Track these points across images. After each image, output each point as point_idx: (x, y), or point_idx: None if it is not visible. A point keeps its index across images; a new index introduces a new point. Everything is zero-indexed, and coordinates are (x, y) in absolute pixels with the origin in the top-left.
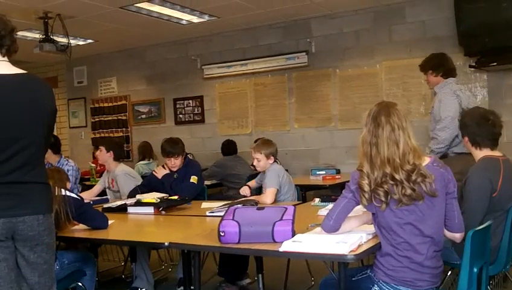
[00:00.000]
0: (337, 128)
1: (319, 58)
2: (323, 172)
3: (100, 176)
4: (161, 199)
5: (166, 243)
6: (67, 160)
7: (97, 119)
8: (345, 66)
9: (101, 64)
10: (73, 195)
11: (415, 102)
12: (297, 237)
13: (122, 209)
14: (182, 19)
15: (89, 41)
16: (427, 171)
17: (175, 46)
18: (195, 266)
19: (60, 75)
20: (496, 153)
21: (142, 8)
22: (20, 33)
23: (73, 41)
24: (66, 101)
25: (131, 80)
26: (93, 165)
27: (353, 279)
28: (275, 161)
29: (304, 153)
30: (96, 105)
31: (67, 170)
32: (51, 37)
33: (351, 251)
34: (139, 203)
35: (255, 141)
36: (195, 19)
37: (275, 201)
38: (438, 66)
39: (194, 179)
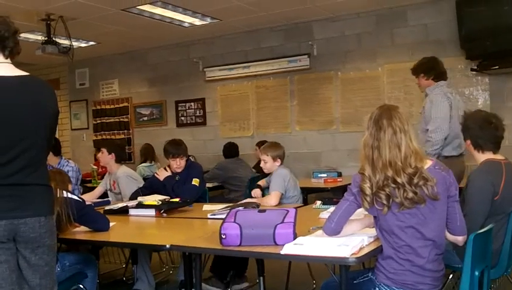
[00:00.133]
0: (338, 131)
1: (320, 61)
2: (325, 175)
3: (102, 178)
4: (162, 201)
5: (167, 246)
6: (67, 161)
7: (99, 121)
8: (346, 69)
9: (103, 66)
10: (75, 197)
11: (417, 105)
12: (299, 239)
13: (124, 211)
14: (184, 22)
15: (91, 43)
16: (428, 174)
17: (177, 49)
18: (196, 269)
19: (62, 77)
20: (498, 157)
21: (144, 10)
22: (22, 35)
23: (75, 43)
24: (68, 103)
25: (133, 82)
26: (95, 167)
27: (354, 282)
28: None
29: (305, 156)
30: (98, 107)
31: (68, 171)
32: (53, 39)
33: (352, 254)
34: (140, 206)
35: (257, 144)
36: (197, 22)
37: (280, 203)
38: (430, 69)
39: (195, 181)
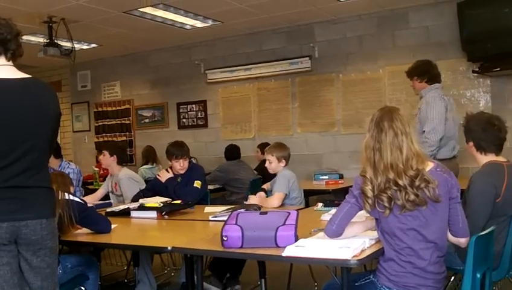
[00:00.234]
0: (340, 133)
1: (322, 63)
2: (326, 177)
3: (103, 180)
4: (164, 203)
5: (169, 248)
6: (68, 163)
7: (100, 124)
8: (348, 70)
9: (104, 68)
10: (77, 199)
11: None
12: (300, 241)
13: (125, 213)
14: (186, 24)
15: (93, 45)
16: (430, 176)
17: (179, 51)
18: (198, 271)
19: (64, 79)
20: (500, 159)
21: (146, 12)
22: (24, 37)
23: (77, 46)
24: (70, 105)
25: (134, 84)
26: (97, 169)
27: (356, 284)
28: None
29: (306, 158)
30: (100, 109)
31: (69, 173)
32: (55, 41)
33: (354, 256)
34: (142, 208)
35: (258, 146)
36: (198, 24)
37: (282, 205)
38: (423, 72)
39: (197, 183)
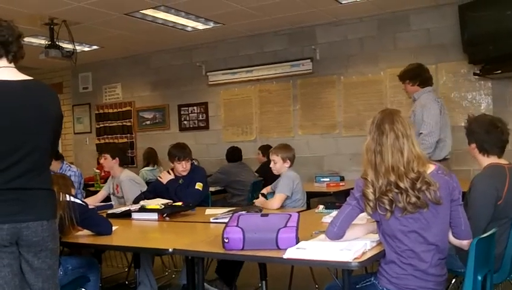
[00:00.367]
0: (341, 135)
1: (323, 65)
2: (328, 179)
3: (104, 182)
4: (165, 205)
5: (170, 249)
6: (69, 166)
7: (102, 125)
8: (349, 73)
9: (106, 70)
10: (78, 201)
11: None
12: (302, 244)
13: (126, 215)
14: (187, 26)
15: (95, 47)
16: (431, 179)
17: (180, 53)
18: (199, 273)
19: (65, 81)
20: (502, 161)
21: (147, 14)
22: (26, 39)
23: (78, 48)
24: (71, 107)
25: (136, 86)
26: (98, 171)
27: (357, 286)
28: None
29: (308, 160)
30: (101, 111)
31: (70, 176)
32: (57, 43)
33: (355, 258)
34: (143, 209)
35: (259, 148)
36: (200, 26)
37: (282, 207)
38: (415, 76)
39: (199, 185)
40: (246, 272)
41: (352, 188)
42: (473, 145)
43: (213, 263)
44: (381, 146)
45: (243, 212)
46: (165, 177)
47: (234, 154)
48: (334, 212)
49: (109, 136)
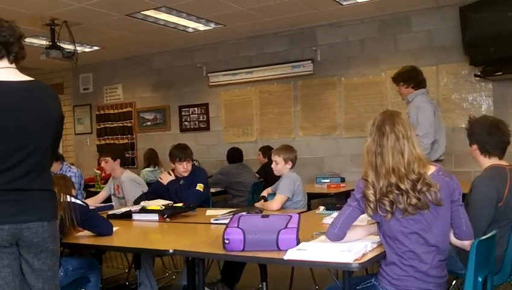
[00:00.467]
0: (342, 136)
1: (324, 67)
2: (328, 180)
3: (105, 183)
4: (166, 206)
5: (170, 250)
6: (69, 166)
7: (102, 126)
8: (350, 74)
9: (107, 71)
10: (79, 201)
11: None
12: (302, 245)
13: (127, 216)
14: (188, 27)
15: (95, 48)
16: (432, 180)
17: (181, 54)
18: (199, 274)
19: (66, 82)
20: (503, 163)
21: (148, 15)
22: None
23: (79, 48)
24: (72, 108)
25: (137, 87)
26: (98, 171)
27: (357, 288)
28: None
29: (308, 161)
30: (102, 112)
31: (70, 177)
32: (58, 43)
33: (355, 260)
34: (143, 210)
35: (260, 149)
36: (201, 27)
37: (282, 208)
38: (410, 78)
39: (200, 186)
40: (246, 273)
41: (352, 190)
42: (474, 147)
43: (214, 264)
44: (382, 147)
45: (244, 213)
46: (166, 178)
47: (235, 155)
48: (335, 214)
49: (110, 136)
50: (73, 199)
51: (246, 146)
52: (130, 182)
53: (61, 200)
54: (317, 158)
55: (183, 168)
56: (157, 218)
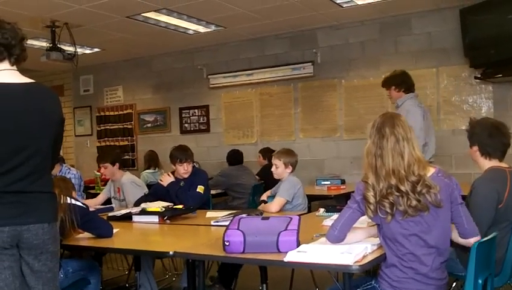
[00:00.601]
0: (342, 138)
1: (324, 69)
2: (328, 182)
3: (105, 184)
4: (166, 207)
5: (171, 252)
6: (69, 168)
7: (103, 128)
8: (350, 76)
9: (107, 73)
10: (79, 203)
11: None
12: (302, 247)
13: (127, 217)
14: (189, 29)
15: (96, 50)
16: (432, 182)
17: (181, 56)
18: (199, 276)
19: (66, 84)
20: (503, 165)
21: (149, 17)
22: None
23: (80, 50)
24: (72, 110)
25: (137, 88)
26: (98, 173)
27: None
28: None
29: (309, 163)
30: (102, 113)
31: (69, 178)
32: (58, 45)
33: (355, 262)
34: (143, 212)
35: (260, 151)
36: (201, 29)
37: (281, 211)
38: (402, 82)
39: (200, 188)
40: (246, 275)
41: (353, 192)
42: (475, 148)
43: (214, 266)
44: (382, 149)
45: (244, 215)
46: (166, 180)
47: (235, 157)
48: (335, 216)
49: (110, 138)
50: (73, 201)
51: (246, 148)
52: (131, 184)
53: (62, 202)
54: (317, 160)
55: (184, 169)
56: (157, 220)
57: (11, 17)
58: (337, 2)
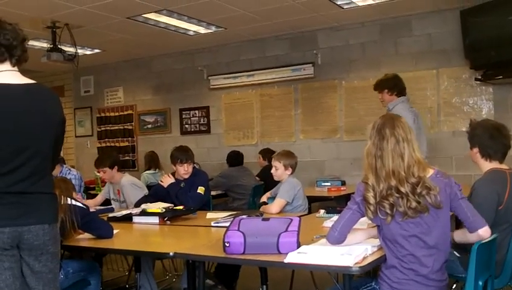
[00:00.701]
0: (342, 139)
1: (325, 70)
2: (329, 183)
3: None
4: (166, 208)
5: (171, 253)
6: (69, 169)
7: (103, 129)
8: (350, 77)
9: (107, 73)
10: (79, 204)
11: (421, 114)
12: (302, 248)
13: (127, 218)
14: (189, 30)
15: (96, 51)
16: (431, 183)
17: (182, 57)
18: (199, 277)
19: (67, 84)
20: (504, 166)
21: (149, 18)
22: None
23: (80, 51)
24: (73, 110)
25: (137, 89)
26: (99, 174)
27: None
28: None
29: (309, 165)
30: (103, 114)
31: (70, 179)
32: (59, 46)
33: (356, 263)
34: (144, 213)
35: (260, 152)
36: (202, 30)
37: (282, 212)
38: (394, 85)
39: (201, 189)
40: (246, 277)
41: (353, 193)
42: (476, 150)
43: (214, 267)
44: (382, 151)
45: (244, 216)
46: (166, 181)
47: (235, 158)
48: (335, 217)
49: (110, 139)
50: (74, 202)
51: (247, 149)
52: (131, 185)
53: (62, 202)
54: (317, 161)
55: (184, 170)
56: (157, 221)
57: (11, 17)
58: (338, 3)
